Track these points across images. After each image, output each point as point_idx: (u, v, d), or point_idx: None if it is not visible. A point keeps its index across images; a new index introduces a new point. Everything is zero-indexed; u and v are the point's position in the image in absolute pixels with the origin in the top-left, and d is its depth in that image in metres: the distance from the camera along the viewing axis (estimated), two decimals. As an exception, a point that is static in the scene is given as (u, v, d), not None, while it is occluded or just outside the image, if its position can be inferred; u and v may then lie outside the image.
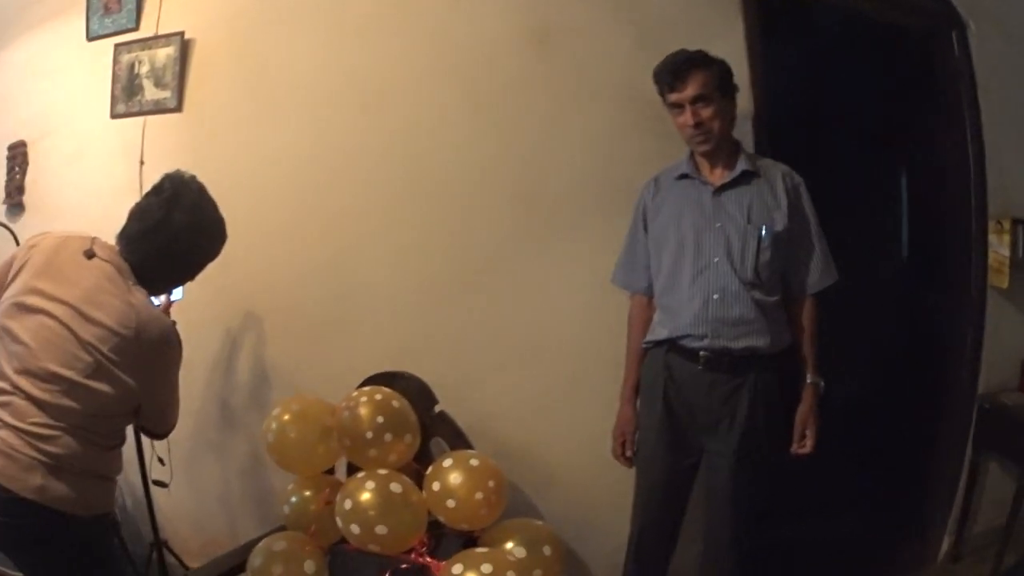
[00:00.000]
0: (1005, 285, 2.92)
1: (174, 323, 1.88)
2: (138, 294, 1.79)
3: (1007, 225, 2.89)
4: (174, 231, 1.82)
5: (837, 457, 3.12)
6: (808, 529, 3.02)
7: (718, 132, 2.08)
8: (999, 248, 2.89)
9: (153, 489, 2.79)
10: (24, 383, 1.68)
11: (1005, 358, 3.07)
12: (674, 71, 2.07)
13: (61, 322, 1.71)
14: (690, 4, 2.39)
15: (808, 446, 2.16)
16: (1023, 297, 3.10)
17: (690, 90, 2.04)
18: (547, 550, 2.25)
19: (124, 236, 1.86)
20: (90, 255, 1.80)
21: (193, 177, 1.92)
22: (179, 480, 2.89)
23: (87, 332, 1.70)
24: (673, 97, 2.07)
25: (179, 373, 1.91)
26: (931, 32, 2.93)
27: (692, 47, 2.12)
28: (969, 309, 2.87)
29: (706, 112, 2.05)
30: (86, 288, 1.75)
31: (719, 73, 2.10)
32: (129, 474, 2.39)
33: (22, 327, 1.72)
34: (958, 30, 2.91)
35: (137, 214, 1.87)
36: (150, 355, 1.78)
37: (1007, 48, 3.17)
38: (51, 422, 1.67)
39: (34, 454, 1.64)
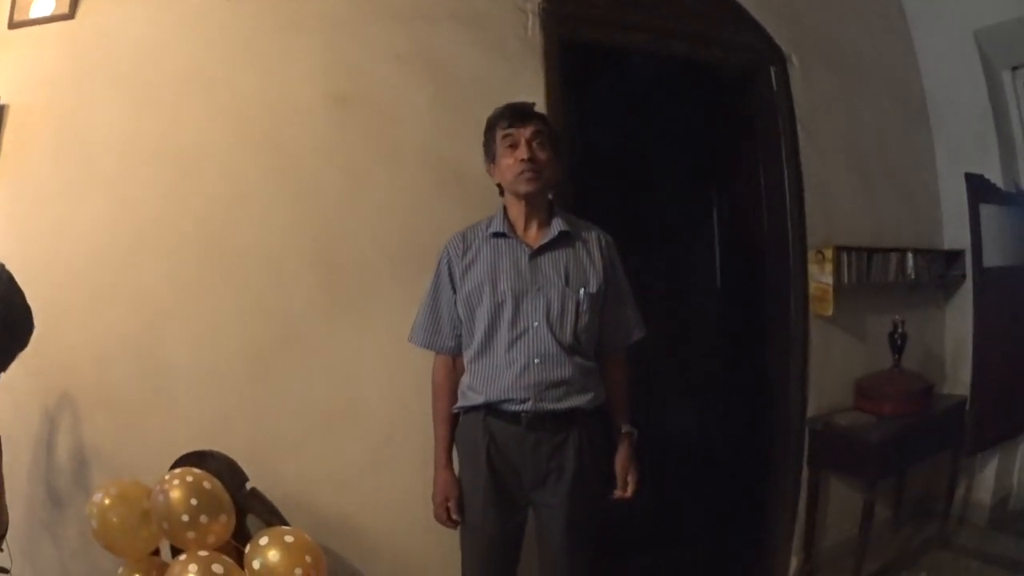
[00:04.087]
0: (829, 313, 3.02)
1: None
2: None
3: (829, 254, 2.99)
4: None
5: (676, 491, 3.22)
6: (653, 563, 3.09)
7: (547, 177, 2.08)
8: (821, 277, 2.98)
9: (-6, 577, 2.69)
10: None
11: (838, 380, 3.21)
12: (517, 111, 2.08)
13: None
14: (489, 62, 2.40)
15: (631, 491, 2.21)
16: (852, 321, 3.24)
17: (531, 129, 2.05)
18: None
19: None
20: None
21: (2, 265, 1.85)
22: (20, 564, 2.78)
23: None
24: (511, 130, 2.05)
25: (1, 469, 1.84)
26: (749, 68, 3.00)
27: (492, 105, 2.13)
28: (790, 337, 2.96)
29: (542, 153, 2.05)
30: None
31: (555, 132, 2.14)
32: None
33: None
34: (777, 65, 3.00)
35: None
36: None
37: (831, 79, 3.30)
38: None
39: None
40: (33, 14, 2.84)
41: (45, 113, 2.82)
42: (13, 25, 2.87)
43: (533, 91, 2.36)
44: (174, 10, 2.59)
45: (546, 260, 2.09)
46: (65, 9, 2.79)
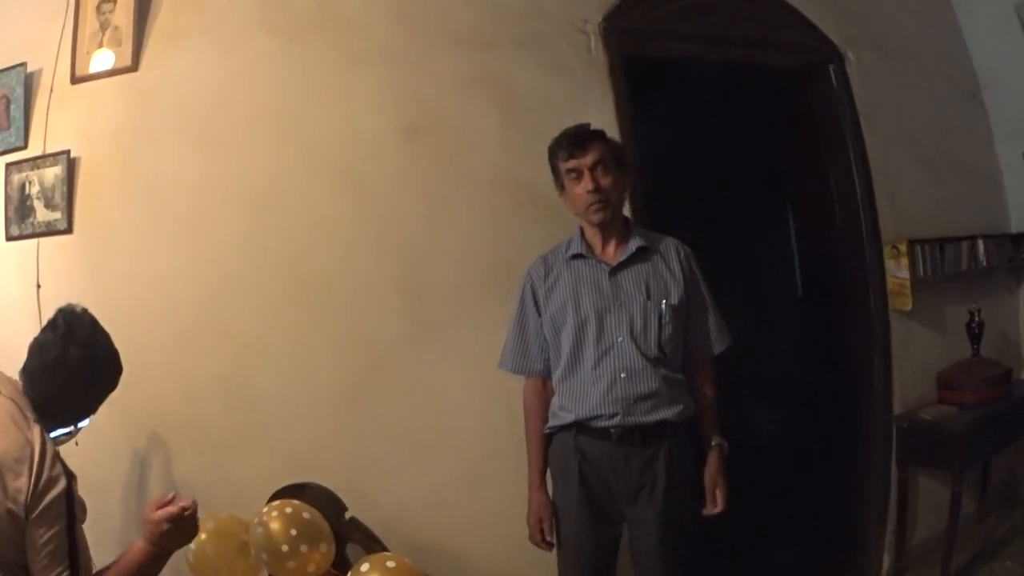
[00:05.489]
0: (909, 307, 2.98)
1: (74, 476, 1.77)
2: (38, 433, 1.72)
3: (903, 248, 2.95)
4: (70, 366, 1.79)
5: (765, 495, 3.19)
6: (745, 568, 3.07)
7: (616, 202, 2.09)
8: (898, 272, 2.95)
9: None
10: None
11: (920, 374, 3.16)
12: (575, 140, 2.07)
13: None
14: (555, 82, 2.41)
15: (720, 505, 2.18)
16: (930, 314, 3.20)
17: (591, 156, 2.04)
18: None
19: (26, 372, 1.82)
20: None
21: (85, 310, 1.88)
22: (111, 606, 2.85)
23: None
24: (572, 163, 2.05)
25: (83, 529, 1.78)
26: (808, 68, 2.98)
27: (562, 125, 2.13)
28: (872, 336, 2.93)
29: (605, 180, 2.05)
30: None
31: (616, 147, 2.14)
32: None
33: None
34: (836, 63, 2.98)
35: (36, 350, 1.83)
36: (44, 500, 1.67)
37: (889, 72, 3.26)
38: None
39: None
40: (93, 68, 2.90)
41: (115, 163, 2.87)
42: (76, 80, 2.93)
43: (601, 108, 2.39)
44: (238, 55, 2.64)
45: (626, 276, 2.09)
46: (128, 62, 2.84)
